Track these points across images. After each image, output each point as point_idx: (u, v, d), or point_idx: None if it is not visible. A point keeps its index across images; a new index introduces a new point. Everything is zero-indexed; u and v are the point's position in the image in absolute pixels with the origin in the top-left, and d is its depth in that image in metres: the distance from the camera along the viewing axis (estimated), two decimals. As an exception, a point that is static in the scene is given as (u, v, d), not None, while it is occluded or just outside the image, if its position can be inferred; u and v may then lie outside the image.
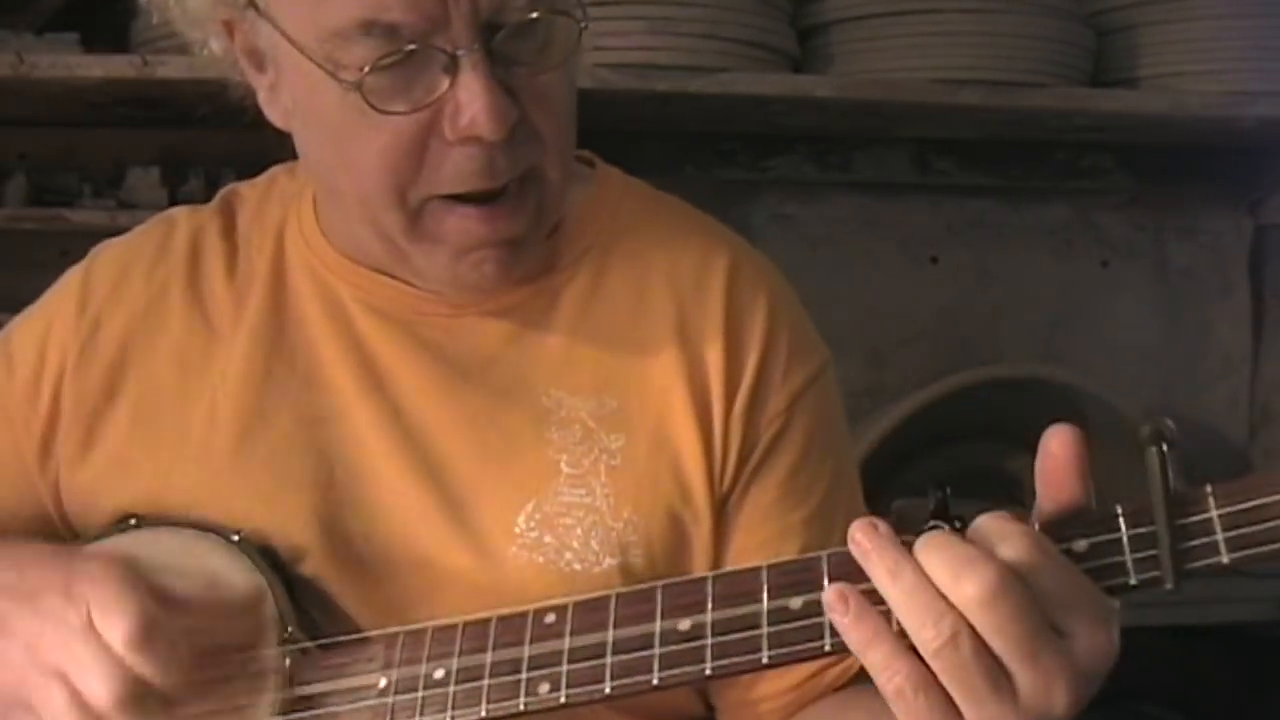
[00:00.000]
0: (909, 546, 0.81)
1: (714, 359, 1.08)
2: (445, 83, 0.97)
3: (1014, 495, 2.19)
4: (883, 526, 0.83)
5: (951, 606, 0.79)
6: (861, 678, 1.05)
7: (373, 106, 0.97)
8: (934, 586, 0.80)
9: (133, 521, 1.09)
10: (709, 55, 2.15)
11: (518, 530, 1.05)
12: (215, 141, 2.10)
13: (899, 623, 0.80)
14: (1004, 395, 2.27)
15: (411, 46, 0.96)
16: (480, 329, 1.09)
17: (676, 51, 2.13)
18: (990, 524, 0.81)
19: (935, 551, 0.80)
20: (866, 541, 0.82)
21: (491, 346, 1.09)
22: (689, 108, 2.25)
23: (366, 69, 0.96)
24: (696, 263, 1.11)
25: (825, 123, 2.42)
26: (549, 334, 1.09)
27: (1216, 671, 2.56)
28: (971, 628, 0.79)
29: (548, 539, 1.04)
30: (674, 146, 2.47)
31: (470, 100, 0.97)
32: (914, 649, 0.80)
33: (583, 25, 1.02)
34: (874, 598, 0.82)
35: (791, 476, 1.08)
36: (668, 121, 2.37)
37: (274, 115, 1.08)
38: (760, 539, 1.07)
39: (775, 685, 1.07)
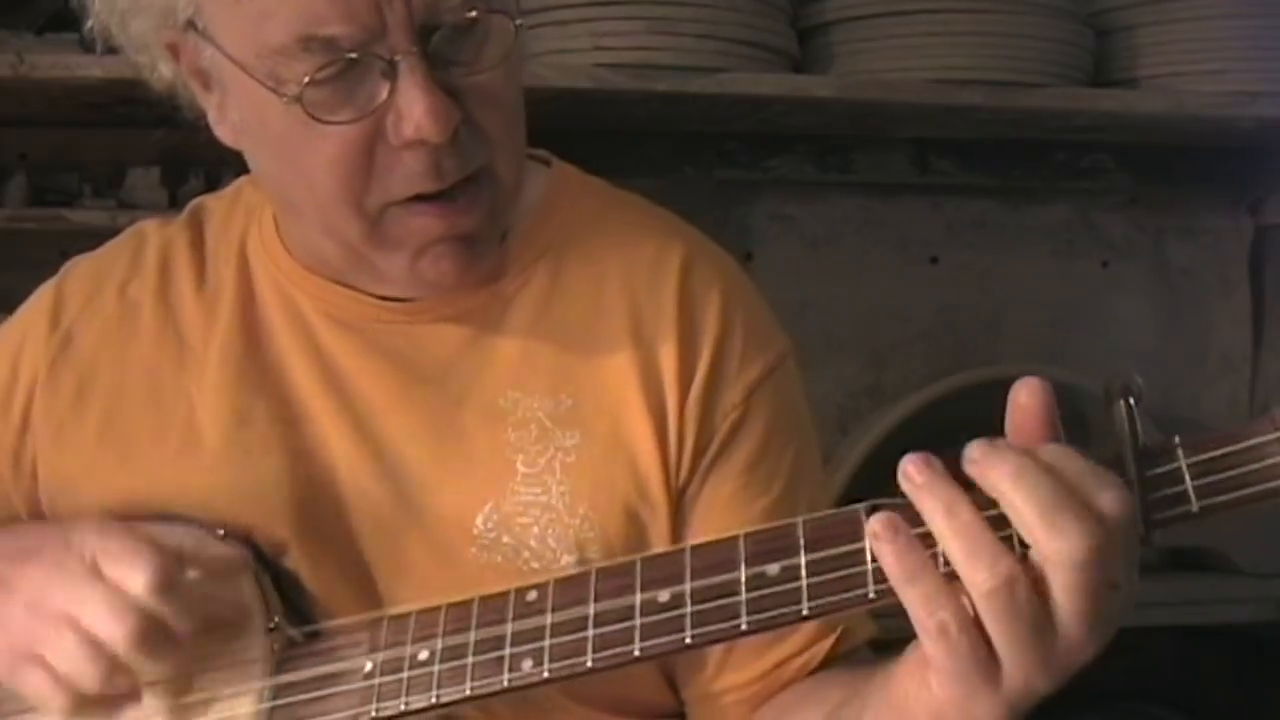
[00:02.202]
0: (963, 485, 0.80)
1: (667, 354, 1.09)
2: (385, 89, 0.98)
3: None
4: (936, 462, 0.81)
5: (1009, 550, 0.78)
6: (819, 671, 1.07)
7: (315, 118, 0.98)
8: (989, 527, 0.78)
9: None
10: (708, 55, 2.15)
11: (476, 531, 1.06)
12: (215, 141, 2.09)
13: (946, 560, 0.79)
14: (1004, 395, 2.27)
15: (352, 56, 0.97)
16: (438, 334, 1.11)
17: (676, 51, 2.13)
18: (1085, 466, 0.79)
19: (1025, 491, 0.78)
20: (919, 476, 0.81)
21: (449, 351, 1.10)
22: (689, 108, 2.25)
23: (306, 80, 0.97)
24: (651, 259, 1.12)
25: (825, 123, 2.42)
26: (506, 336, 1.10)
27: (1216, 671, 2.56)
28: (1025, 574, 0.77)
29: (505, 539, 1.05)
30: (674, 146, 2.47)
31: (411, 105, 0.98)
32: (958, 588, 0.79)
33: (518, 23, 1.02)
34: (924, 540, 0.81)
35: (751, 468, 1.09)
36: (667, 121, 2.37)
37: (223, 134, 1.09)
38: (719, 530, 1.07)
39: (738, 677, 1.08)
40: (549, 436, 1.07)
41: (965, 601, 0.79)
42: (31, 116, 2.23)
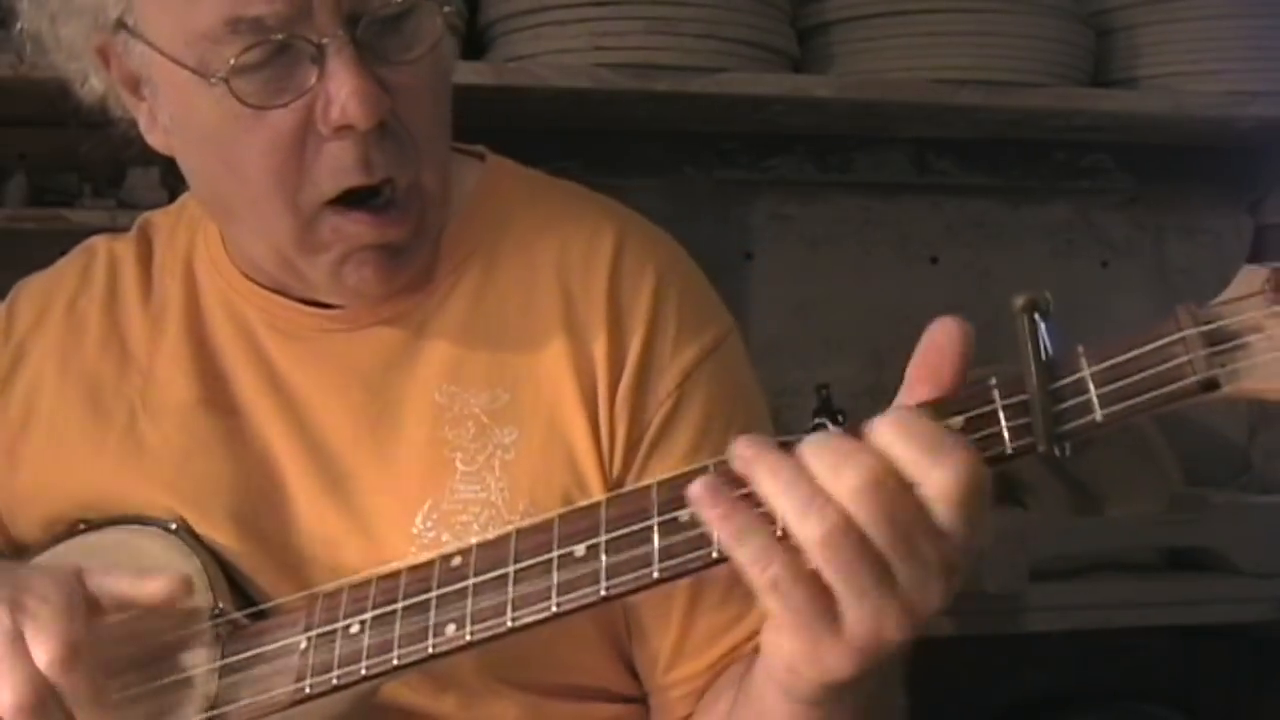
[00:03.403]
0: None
1: (598, 344, 1.08)
2: (314, 75, 0.99)
3: (1015, 496, 2.19)
4: (765, 437, 0.82)
5: (833, 499, 0.78)
6: None
7: (244, 103, 0.99)
8: (814, 480, 0.78)
9: (81, 526, 1.12)
10: (708, 55, 2.15)
11: (415, 531, 1.06)
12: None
13: (779, 520, 0.79)
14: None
15: (279, 37, 0.98)
16: (377, 337, 1.11)
17: (676, 51, 2.13)
18: (881, 424, 0.80)
19: (814, 446, 0.79)
20: (749, 450, 0.81)
21: (387, 352, 1.11)
22: (689, 108, 2.25)
23: (234, 63, 0.98)
24: (583, 246, 1.12)
25: (825, 123, 2.42)
26: (440, 333, 1.11)
27: (1216, 671, 2.56)
28: (854, 520, 0.78)
29: (445, 537, 1.05)
30: (674, 146, 2.47)
31: (339, 89, 0.98)
32: (788, 544, 0.79)
33: (446, 8, 1.03)
34: (754, 501, 0.81)
35: (691, 454, 1.07)
36: (668, 121, 2.37)
37: (155, 140, 1.10)
38: None
39: (691, 668, 1.08)
40: (487, 433, 1.07)
41: (797, 555, 0.79)
42: (31, 116, 2.22)
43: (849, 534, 0.77)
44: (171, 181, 2.18)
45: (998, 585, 2.03)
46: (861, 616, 0.79)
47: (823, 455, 0.79)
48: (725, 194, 2.50)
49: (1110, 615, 2.16)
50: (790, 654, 0.82)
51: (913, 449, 0.78)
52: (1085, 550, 2.19)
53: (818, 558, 0.78)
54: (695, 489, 0.81)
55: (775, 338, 2.46)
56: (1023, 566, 2.06)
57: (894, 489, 0.78)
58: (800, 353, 2.50)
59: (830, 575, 0.78)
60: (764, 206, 2.55)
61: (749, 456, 0.81)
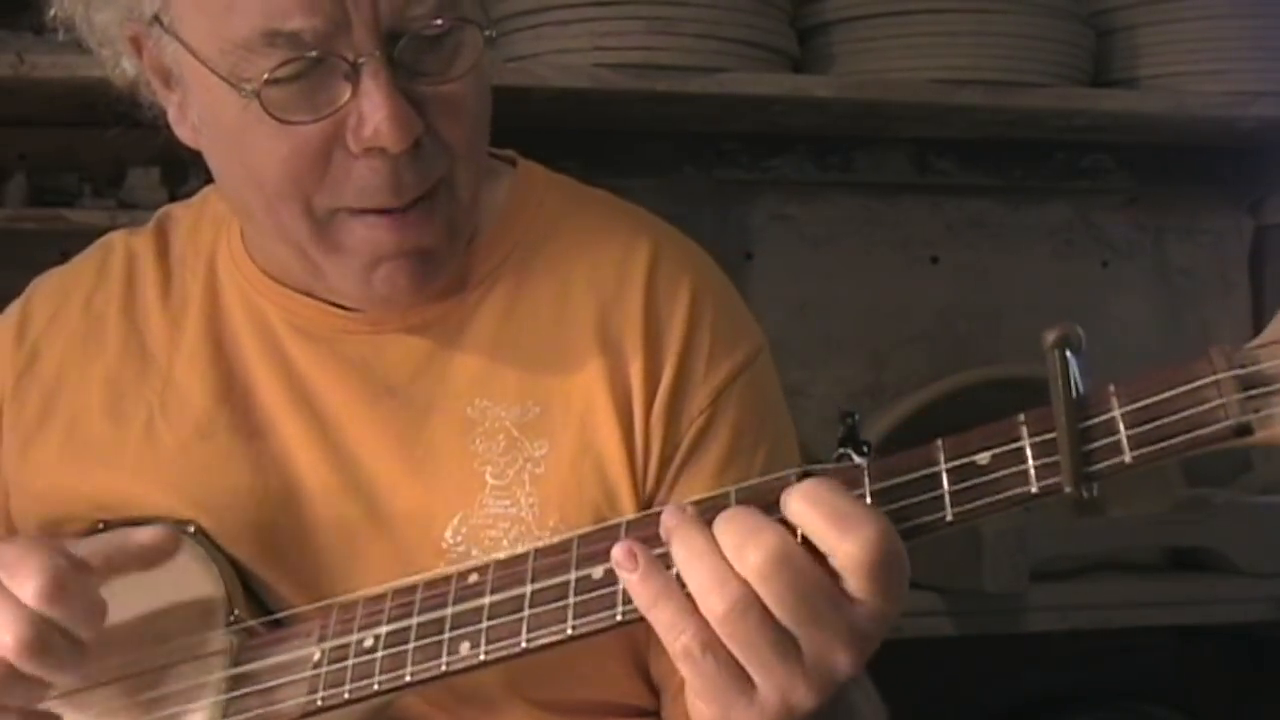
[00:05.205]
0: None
1: (634, 359, 1.07)
2: (347, 92, 0.97)
3: (1014, 495, 2.19)
4: (690, 509, 0.84)
5: (737, 575, 0.80)
6: None
7: (274, 116, 0.97)
8: (721, 554, 0.80)
9: (100, 525, 1.10)
10: (708, 55, 2.15)
11: (445, 545, 1.05)
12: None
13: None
14: (1004, 395, 2.27)
15: (314, 53, 0.96)
16: (404, 344, 1.10)
17: (676, 51, 2.14)
18: (792, 495, 0.82)
19: (725, 521, 0.81)
20: (671, 520, 0.83)
21: (415, 360, 1.09)
22: (689, 108, 2.25)
23: (266, 76, 0.97)
24: (618, 259, 1.11)
25: (825, 123, 2.42)
26: (473, 344, 1.09)
27: (1216, 671, 2.56)
28: (757, 597, 0.79)
29: (475, 552, 1.04)
30: (674, 146, 2.47)
31: (372, 110, 0.97)
32: (700, 614, 0.81)
33: (488, 34, 1.02)
34: (669, 561, 0.83)
35: (720, 472, 1.07)
36: (668, 121, 2.37)
37: (183, 134, 1.09)
38: None
39: None
40: (517, 447, 1.06)
41: (706, 624, 0.80)
42: (31, 116, 2.22)
43: (749, 612, 0.79)
44: (171, 182, 2.18)
45: (998, 585, 2.03)
46: (769, 688, 0.81)
47: (730, 531, 0.81)
48: (725, 194, 2.50)
49: (1110, 615, 2.16)
50: (705, 717, 0.84)
51: (821, 521, 0.80)
52: (1085, 550, 2.19)
53: (720, 632, 0.80)
54: (616, 551, 0.84)
55: (775, 338, 2.43)
56: (1023, 566, 2.06)
57: (800, 563, 0.79)
58: (800, 353, 2.50)
59: (734, 649, 0.80)
60: (764, 206, 2.54)
61: (671, 526, 0.83)
